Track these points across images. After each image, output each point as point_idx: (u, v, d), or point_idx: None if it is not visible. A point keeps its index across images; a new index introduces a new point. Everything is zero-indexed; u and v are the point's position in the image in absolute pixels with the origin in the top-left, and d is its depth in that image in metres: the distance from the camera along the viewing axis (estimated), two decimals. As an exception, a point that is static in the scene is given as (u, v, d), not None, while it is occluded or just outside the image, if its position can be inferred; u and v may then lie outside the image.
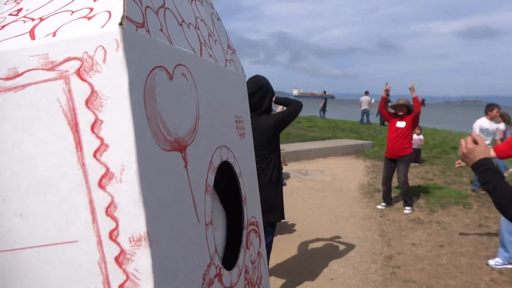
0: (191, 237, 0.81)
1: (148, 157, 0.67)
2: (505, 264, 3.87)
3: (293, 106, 2.96)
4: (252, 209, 1.34)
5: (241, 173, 1.24)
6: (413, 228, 4.97)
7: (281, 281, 3.18)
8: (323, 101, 21.59)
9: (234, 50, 1.43)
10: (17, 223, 0.68)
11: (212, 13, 1.28)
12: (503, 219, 3.87)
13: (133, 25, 0.68)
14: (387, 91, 5.71)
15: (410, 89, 5.39)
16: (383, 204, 5.86)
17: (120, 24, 0.64)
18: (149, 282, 0.65)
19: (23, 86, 0.67)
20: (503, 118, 7.20)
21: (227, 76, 1.21)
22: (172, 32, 0.85)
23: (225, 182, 1.23)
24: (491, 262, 3.96)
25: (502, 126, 6.72)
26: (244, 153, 1.29)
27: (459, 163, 3.77)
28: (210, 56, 1.10)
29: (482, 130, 6.52)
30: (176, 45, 0.85)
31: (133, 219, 0.64)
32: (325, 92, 24.27)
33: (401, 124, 5.49)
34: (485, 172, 1.40)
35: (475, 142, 1.43)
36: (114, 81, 0.64)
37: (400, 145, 5.46)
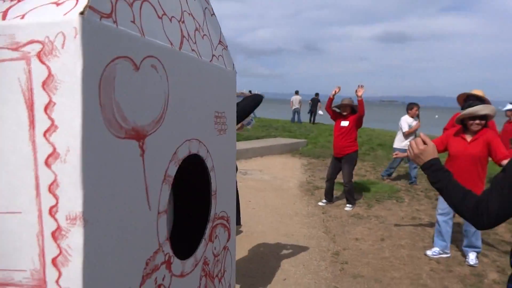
0: (138, 223, 0.85)
1: (96, 142, 0.71)
2: (440, 254, 4.11)
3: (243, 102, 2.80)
4: (223, 203, 1.37)
5: (214, 167, 1.27)
6: (355, 224, 5.16)
7: (236, 287, 3.25)
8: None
9: (226, 46, 1.45)
10: (-30, 188, 0.73)
11: (206, 7, 1.30)
12: (439, 210, 4.06)
13: (97, 15, 0.71)
14: (335, 92, 5.78)
15: (356, 91, 5.44)
16: (324, 201, 5.96)
17: (81, 13, 0.67)
18: (79, 259, 0.69)
19: (-11, 61, 0.71)
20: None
21: (210, 71, 1.24)
22: (146, 24, 0.88)
23: (199, 175, 1.26)
24: (429, 252, 4.17)
25: (415, 123, 7.43)
26: (221, 148, 1.32)
27: (396, 154, 4.11)
28: (193, 50, 1.12)
29: (410, 126, 7.25)
30: (149, 37, 0.88)
31: (71, 199, 0.68)
32: (250, 91, 21.37)
33: (345, 123, 5.63)
34: (436, 172, 1.45)
35: (425, 143, 1.48)
36: (69, 66, 0.67)
37: (344, 144, 5.61)
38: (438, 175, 1.44)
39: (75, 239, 0.69)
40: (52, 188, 0.69)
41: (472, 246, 4.04)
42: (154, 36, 0.91)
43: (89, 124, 0.69)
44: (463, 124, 3.85)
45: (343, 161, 5.71)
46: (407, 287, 3.47)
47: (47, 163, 0.69)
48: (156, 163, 0.92)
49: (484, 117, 3.71)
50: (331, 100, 5.75)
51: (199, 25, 1.22)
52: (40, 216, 0.70)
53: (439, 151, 3.78)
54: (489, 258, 4.18)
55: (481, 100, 4.16)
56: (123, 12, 0.79)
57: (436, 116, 6.99)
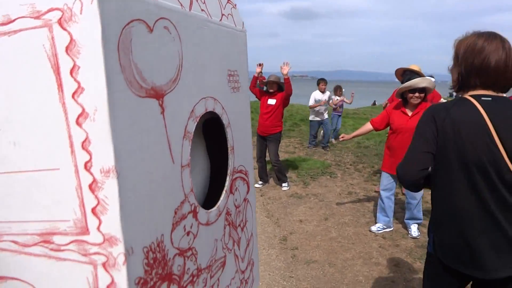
0: (164, 175, 0.92)
1: (120, 101, 0.77)
2: (384, 229, 4.24)
3: None
4: (241, 158, 1.43)
5: (230, 124, 1.33)
6: (295, 204, 5.14)
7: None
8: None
9: (235, 5, 1.46)
10: (11, 150, 0.81)
11: (212, -34, 1.31)
12: (382, 186, 4.12)
13: (109, -20, 0.75)
14: (259, 71, 5.51)
15: (282, 68, 5.24)
16: (260, 182, 5.82)
17: (96, -21, 0.71)
18: (116, 207, 0.76)
19: (15, 31, 0.76)
20: (336, 90, 9.34)
21: (221, 30, 1.26)
22: (156, -14, 0.91)
23: (218, 132, 1.32)
24: (374, 228, 4.28)
25: (327, 96, 8.52)
26: (235, 105, 1.37)
27: (342, 137, 4.10)
28: (202, 10, 1.15)
29: (317, 101, 8.31)
30: (160, 0, 0.91)
31: (103, 153, 0.75)
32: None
33: (272, 101, 5.43)
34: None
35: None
36: (89, 31, 0.72)
37: (271, 123, 5.44)
38: None
39: (110, 189, 0.76)
40: (85, 145, 0.76)
41: (414, 218, 4.16)
42: (164, -2, 0.94)
43: (113, 84, 0.74)
44: (403, 98, 3.89)
45: (268, 140, 5.54)
46: (361, 267, 3.51)
47: (78, 123, 0.75)
48: (176, 120, 0.98)
49: (423, 90, 3.75)
50: (255, 78, 5.47)
51: (206, -16, 1.23)
52: (76, 171, 0.77)
53: (381, 128, 4.09)
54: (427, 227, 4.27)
55: (418, 74, 4.23)
56: (133, -25, 0.82)
57: (343, 90, 7.85)
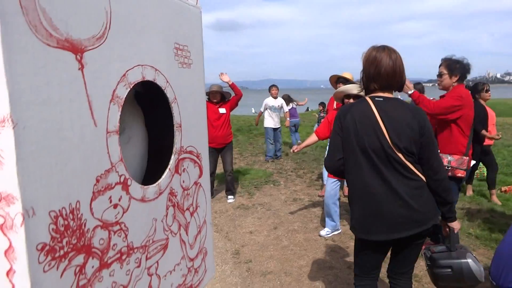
0: (82, 136, 0.85)
1: (19, 44, 0.70)
2: (333, 232, 4.33)
3: None
4: (191, 138, 1.37)
5: (177, 99, 1.26)
6: (243, 215, 5.08)
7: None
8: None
9: (188, -20, 1.41)
10: None
11: None
12: (327, 194, 4.24)
13: None
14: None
15: (221, 78, 5.28)
16: None
17: None
18: (12, 162, 0.69)
19: None
20: (287, 101, 9.61)
21: (168, 2, 1.21)
22: None
23: (162, 106, 1.26)
24: (322, 233, 4.34)
25: (280, 102, 8.61)
26: (184, 81, 1.31)
27: (293, 150, 4.16)
28: (141, -26, 1.09)
29: (269, 107, 8.42)
30: (81, -51, 0.85)
31: (-2, 100, 0.68)
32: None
33: (222, 110, 5.37)
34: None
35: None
36: (-19, -37, 0.65)
37: (226, 132, 5.39)
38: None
39: (5, 141, 0.69)
40: (-22, 91, 0.68)
41: None
42: (88, -51, 0.88)
43: (9, 25, 0.68)
44: (343, 103, 4.05)
45: (224, 150, 5.47)
46: (317, 273, 3.49)
47: (-30, 67, 0.68)
48: (101, 80, 0.91)
49: (357, 97, 3.89)
50: None
51: (151, -48, 1.18)
52: (-31, 121, 0.70)
53: (327, 137, 4.19)
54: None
55: (350, 81, 4.46)
56: None
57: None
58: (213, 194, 5.89)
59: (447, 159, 3.24)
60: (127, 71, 1.01)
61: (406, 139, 1.91)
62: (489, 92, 5.14)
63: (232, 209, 5.33)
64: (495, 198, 5.37)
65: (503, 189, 5.85)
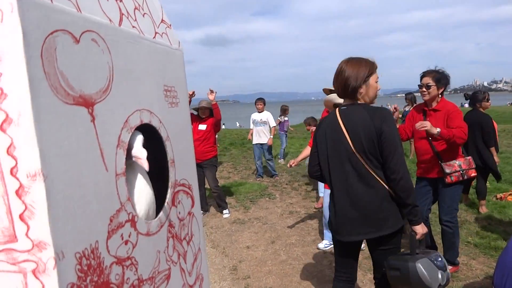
0: (96, 182, 0.93)
1: (45, 106, 0.78)
2: (331, 244, 4.22)
3: None
4: (183, 172, 1.46)
5: (169, 137, 1.36)
6: (239, 230, 5.05)
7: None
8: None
9: (170, 25, 1.53)
10: None
11: (144, -11, 1.37)
12: (325, 204, 4.16)
13: (31, -9, 0.78)
14: (190, 95, 5.61)
15: (208, 94, 5.34)
16: (201, 212, 5.72)
17: (16, -11, 0.74)
18: (43, 212, 0.77)
19: None
20: (283, 111, 10.00)
21: (154, 47, 1.32)
22: (82, 1, 0.95)
23: (157, 145, 1.35)
24: (321, 245, 4.31)
25: (265, 116, 8.13)
26: (174, 119, 1.41)
27: (290, 165, 4.20)
28: (133, 27, 1.20)
29: (253, 121, 8.12)
30: (86, 13, 0.95)
31: (29, 157, 0.76)
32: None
33: (202, 126, 5.38)
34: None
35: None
36: (10, 38, 0.74)
37: (203, 149, 5.34)
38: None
39: (37, 194, 0.76)
40: (10, 150, 0.76)
41: None
42: (91, 13, 0.98)
43: (36, 90, 0.77)
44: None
45: (204, 167, 5.44)
46: (317, 286, 3.54)
47: (2, 129, 0.76)
48: (108, 129, 1.00)
49: None
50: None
51: (139, 5, 1.29)
52: (2, 178, 0.77)
53: None
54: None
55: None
56: (57, -11, 0.86)
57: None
58: (208, 210, 5.79)
59: (456, 164, 3.34)
60: (128, 117, 1.10)
61: (366, 140, 2.05)
62: (489, 101, 5.11)
63: (228, 224, 5.27)
64: (483, 209, 5.25)
65: (498, 196, 5.81)
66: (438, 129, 3.17)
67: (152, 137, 1.30)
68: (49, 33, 0.81)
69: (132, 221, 1.08)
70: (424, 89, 3.45)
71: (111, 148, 1.01)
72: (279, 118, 10.08)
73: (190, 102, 5.40)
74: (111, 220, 0.98)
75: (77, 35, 0.90)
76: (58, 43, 0.84)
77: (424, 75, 3.48)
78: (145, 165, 1.10)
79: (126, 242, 1.04)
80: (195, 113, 5.52)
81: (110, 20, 1.07)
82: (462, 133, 3.20)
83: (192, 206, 1.53)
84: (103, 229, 0.95)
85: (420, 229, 2.15)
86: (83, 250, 0.87)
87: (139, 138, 1.15)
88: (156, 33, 1.37)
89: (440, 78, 3.40)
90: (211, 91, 5.28)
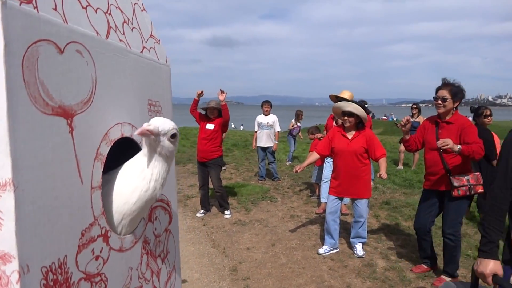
0: (71, 194, 0.91)
1: (22, 115, 0.77)
2: (331, 250, 4.32)
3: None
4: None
5: (150, 152, 1.35)
6: (240, 231, 5.06)
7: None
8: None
9: (159, 40, 1.54)
10: None
11: (135, 3, 1.38)
12: (328, 210, 4.27)
13: (17, 0, 0.78)
14: (199, 94, 5.44)
15: (218, 94, 5.38)
16: (202, 211, 5.69)
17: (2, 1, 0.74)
18: (11, 222, 0.75)
19: None
20: (298, 116, 10.03)
21: (141, 61, 1.32)
22: (70, 13, 0.95)
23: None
24: (321, 251, 4.33)
25: (271, 119, 7.88)
26: (156, 135, 1.40)
27: (296, 171, 4.18)
28: (121, 40, 1.20)
29: (258, 124, 7.88)
30: (72, 25, 0.95)
31: (1, 166, 0.74)
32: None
33: (210, 126, 5.41)
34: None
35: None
36: (-9, 46, 0.73)
37: (209, 148, 5.38)
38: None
39: (6, 204, 0.74)
40: (-19, 158, 0.74)
41: (359, 237, 4.35)
42: (78, 24, 0.98)
43: (14, 99, 0.75)
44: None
45: (209, 166, 5.48)
46: None
47: (-25, 136, 0.74)
48: (87, 141, 0.99)
49: (351, 115, 4.09)
50: (196, 102, 5.47)
51: (128, 19, 1.30)
52: (-30, 186, 0.75)
53: (327, 154, 4.39)
54: (370, 246, 4.54)
55: (347, 100, 4.64)
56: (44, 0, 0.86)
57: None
58: (209, 210, 5.79)
59: (465, 179, 3.35)
60: (108, 129, 1.09)
61: None
62: (489, 118, 5.04)
63: (229, 225, 5.26)
64: None
65: None
66: (459, 146, 3.18)
67: (133, 151, 1.29)
68: (32, 42, 0.81)
69: (105, 236, 1.06)
70: (440, 102, 3.43)
71: (88, 160, 0.99)
72: (293, 121, 10.02)
73: (198, 101, 5.44)
74: (82, 234, 0.96)
75: (61, 46, 0.90)
76: (41, 52, 0.83)
77: (440, 87, 3.45)
78: (138, 130, 1.08)
79: (97, 258, 1.02)
80: (203, 112, 5.55)
81: (97, 32, 1.07)
82: (480, 149, 3.21)
83: (170, 222, 1.51)
84: (74, 243, 0.93)
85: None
86: (50, 264, 0.84)
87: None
88: (144, 47, 1.37)
89: (457, 92, 3.39)
90: (222, 92, 5.30)
